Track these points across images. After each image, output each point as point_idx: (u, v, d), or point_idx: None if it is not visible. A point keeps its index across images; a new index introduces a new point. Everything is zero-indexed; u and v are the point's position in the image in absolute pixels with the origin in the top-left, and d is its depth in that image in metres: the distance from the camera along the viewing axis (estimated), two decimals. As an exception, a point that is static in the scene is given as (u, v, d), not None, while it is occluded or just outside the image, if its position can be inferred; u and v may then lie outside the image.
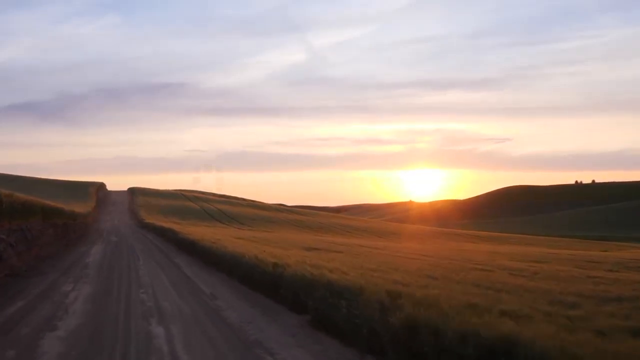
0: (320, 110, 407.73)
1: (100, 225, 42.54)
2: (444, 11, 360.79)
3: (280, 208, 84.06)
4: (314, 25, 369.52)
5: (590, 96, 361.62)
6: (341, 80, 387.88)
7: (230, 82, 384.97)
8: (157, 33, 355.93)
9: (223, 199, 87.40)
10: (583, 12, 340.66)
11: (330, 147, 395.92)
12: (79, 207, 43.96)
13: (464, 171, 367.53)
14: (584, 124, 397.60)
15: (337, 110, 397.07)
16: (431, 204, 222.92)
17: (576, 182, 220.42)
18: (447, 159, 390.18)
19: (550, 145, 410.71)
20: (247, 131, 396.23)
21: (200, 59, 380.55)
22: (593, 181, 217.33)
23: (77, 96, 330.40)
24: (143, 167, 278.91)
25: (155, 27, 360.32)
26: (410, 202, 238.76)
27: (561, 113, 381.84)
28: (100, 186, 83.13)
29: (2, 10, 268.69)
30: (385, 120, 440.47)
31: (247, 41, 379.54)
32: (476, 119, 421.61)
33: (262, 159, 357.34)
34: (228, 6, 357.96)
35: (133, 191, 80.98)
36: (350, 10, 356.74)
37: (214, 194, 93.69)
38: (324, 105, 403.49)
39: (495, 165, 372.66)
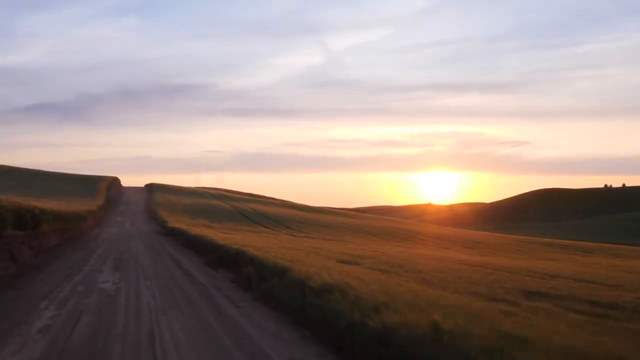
0: (337, 113, 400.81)
1: (102, 232, 29.63)
2: (462, 14, 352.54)
3: (324, 210, 73.59)
4: (331, 27, 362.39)
5: (610, 100, 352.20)
6: (358, 83, 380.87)
7: (248, 84, 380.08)
8: (175, 35, 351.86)
9: (252, 197, 77.17)
10: (602, 15, 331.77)
11: (347, 149, 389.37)
12: (80, 205, 33.96)
13: (481, 174, 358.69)
14: (603, 128, 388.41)
15: (354, 113, 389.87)
16: (450, 206, 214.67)
17: (605, 185, 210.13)
18: (464, 162, 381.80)
19: (568, 149, 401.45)
20: (264, 132, 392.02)
21: (218, 60, 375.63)
22: (623, 185, 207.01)
23: (96, 97, 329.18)
24: (160, 167, 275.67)
25: (174, 29, 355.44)
26: (429, 204, 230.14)
27: (580, 117, 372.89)
28: (113, 181, 71.74)
29: (23, 13, 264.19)
30: (402, 122, 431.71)
31: (264, 43, 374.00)
32: (494, 122, 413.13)
33: (279, 160, 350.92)
34: (246, 9, 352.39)
35: (151, 188, 70.35)
36: (368, 13, 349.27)
37: (240, 192, 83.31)
38: (340, 107, 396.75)
39: (513, 169, 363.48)
